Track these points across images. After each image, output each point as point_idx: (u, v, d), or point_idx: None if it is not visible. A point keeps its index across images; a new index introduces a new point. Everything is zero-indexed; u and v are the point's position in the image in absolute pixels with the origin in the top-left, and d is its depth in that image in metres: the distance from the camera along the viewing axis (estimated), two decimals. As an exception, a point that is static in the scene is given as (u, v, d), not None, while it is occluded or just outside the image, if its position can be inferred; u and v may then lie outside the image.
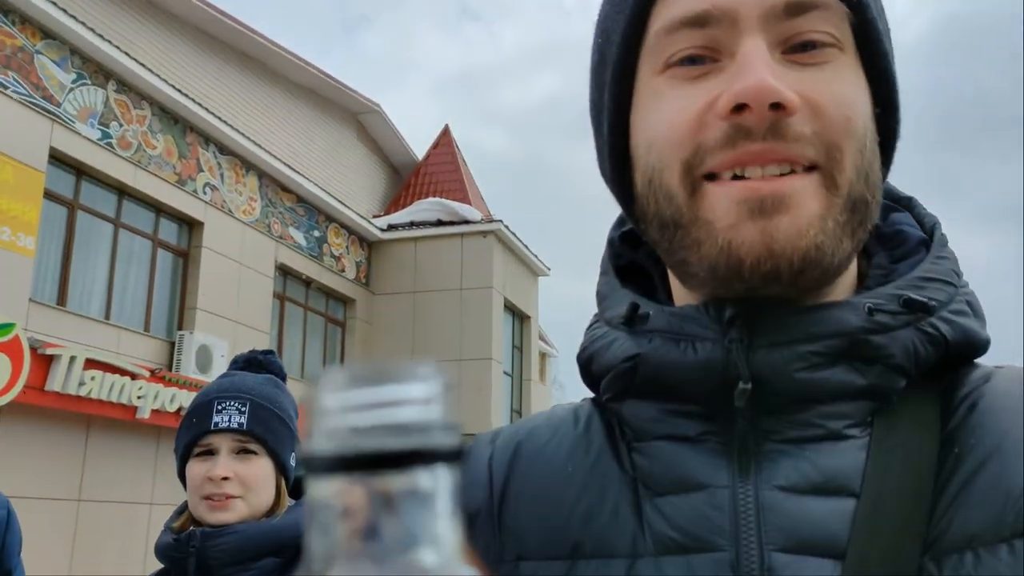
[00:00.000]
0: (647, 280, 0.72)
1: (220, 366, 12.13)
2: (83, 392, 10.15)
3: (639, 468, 0.63)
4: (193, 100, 12.57)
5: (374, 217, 17.86)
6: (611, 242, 0.75)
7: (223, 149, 13.54)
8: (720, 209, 0.58)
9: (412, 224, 17.69)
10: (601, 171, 0.70)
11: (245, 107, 14.41)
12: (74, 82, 10.95)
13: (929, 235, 0.67)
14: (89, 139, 11.07)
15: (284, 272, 15.19)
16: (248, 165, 14.09)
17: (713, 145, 0.58)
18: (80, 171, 11.21)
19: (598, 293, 0.72)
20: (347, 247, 16.95)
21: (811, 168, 0.58)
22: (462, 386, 16.19)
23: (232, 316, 13.24)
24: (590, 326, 0.71)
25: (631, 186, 0.65)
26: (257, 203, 14.31)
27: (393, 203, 18.82)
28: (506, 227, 17.35)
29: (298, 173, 15.02)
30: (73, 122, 10.86)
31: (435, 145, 20.00)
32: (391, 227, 17.75)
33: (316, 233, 15.99)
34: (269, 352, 2.03)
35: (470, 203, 18.11)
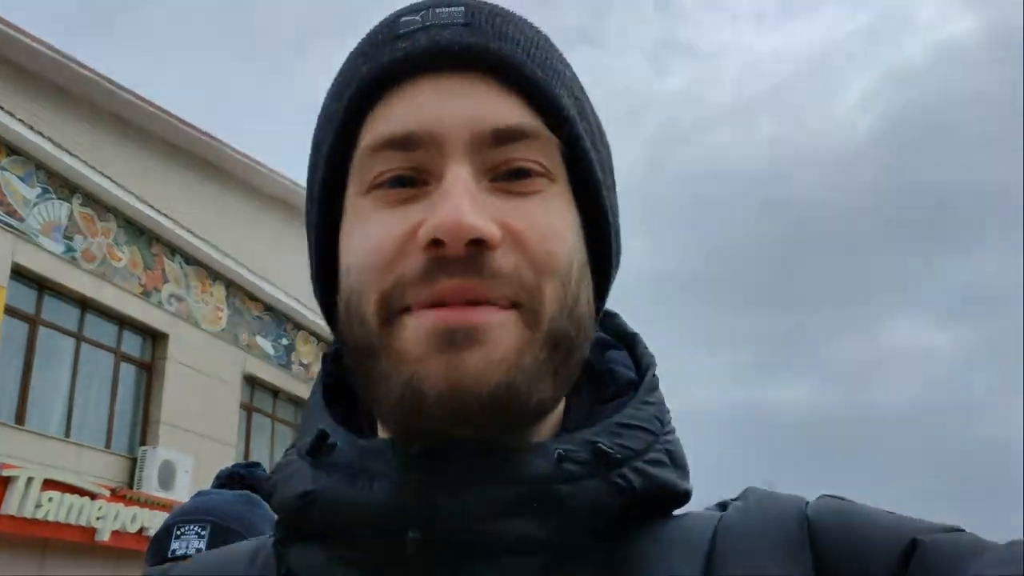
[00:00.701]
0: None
1: (184, 482, 11.77)
2: (40, 515, 9.76)
3: None
4: (159, 211, 12.55)
5: (343, 323, 17.73)
6: (324, 359, 0.70)
7: (189, 259, 13.46)
8: (410, 340, 0.54)
9: (381, 329, 17.58)
10: (313, 289, 0.67)
11: (212, 217, 14.41)
12: (39, 197, 10.90)
13: (643, 377, 0.64)
14: (52, 253, 10.97)
15: (251, 382, 14.93)
16: (215, 275, 13.99)
17: (412, 278, 0.55)
18: (42, 286, 11.06)
19: (302, 415, 0.66)
20: (316, 355, 16.75)
21: (511, 305, 0.55)
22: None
23: (197, 429, 12.92)
24: (284, 453, 0.64)
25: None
26: (224, 312, 14.16)
27: (362, 309, 18.74)
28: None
29: (266, 281, 14.94)
30: (37, 236, 10.76)
31: (404, 250, 20.08)
32: (360, 333, 17.62)
33: (284, 341, 15.82)
34: (253, 465, 1.91)
35: (440, 307, 18.08)
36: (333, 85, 0.64)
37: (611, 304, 0.70)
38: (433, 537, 0.53)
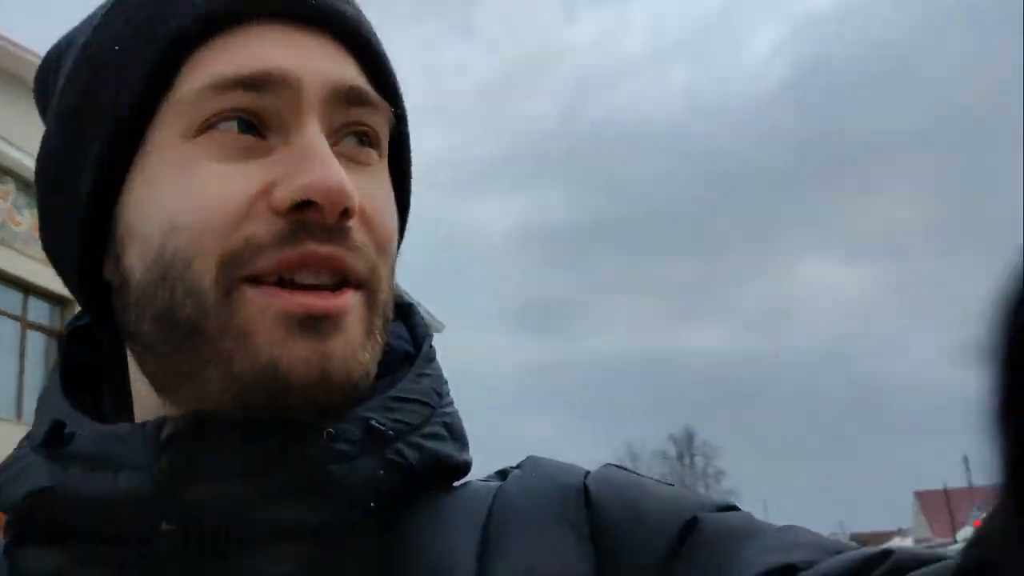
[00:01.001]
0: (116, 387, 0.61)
1: (102, 450, 11.55)
2: (-52, 491, 9.45)
3: None
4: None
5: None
6: (60, 339, 0.64)
7: (96, 222, 13.04)
8: (263, 321, 0.50)
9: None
10: (50, 243, 0.59)
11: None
12: (-73, 160, 10.36)
13: (418, 349, 0.62)
14: (-54, 219, 10.47)
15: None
16: (124, 237, 13.60)
17: (267, 241, 0.50)
18: (-63, 254, 10.57)
19: (37, 403, 0.60)
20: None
21: (359, 285, 0.53)
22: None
23: (113, 396, 12.66)
24: (17, 446, 0.58)
25: (103, 270, 0.56)
26: (135, 276, 13.82)
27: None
28: (397, 284, 17.27)
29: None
30: (-73, 202, 10.25)
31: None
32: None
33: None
34: None
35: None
36: (132, 17, 0.55)
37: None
38: (189, 529, 0.49)
